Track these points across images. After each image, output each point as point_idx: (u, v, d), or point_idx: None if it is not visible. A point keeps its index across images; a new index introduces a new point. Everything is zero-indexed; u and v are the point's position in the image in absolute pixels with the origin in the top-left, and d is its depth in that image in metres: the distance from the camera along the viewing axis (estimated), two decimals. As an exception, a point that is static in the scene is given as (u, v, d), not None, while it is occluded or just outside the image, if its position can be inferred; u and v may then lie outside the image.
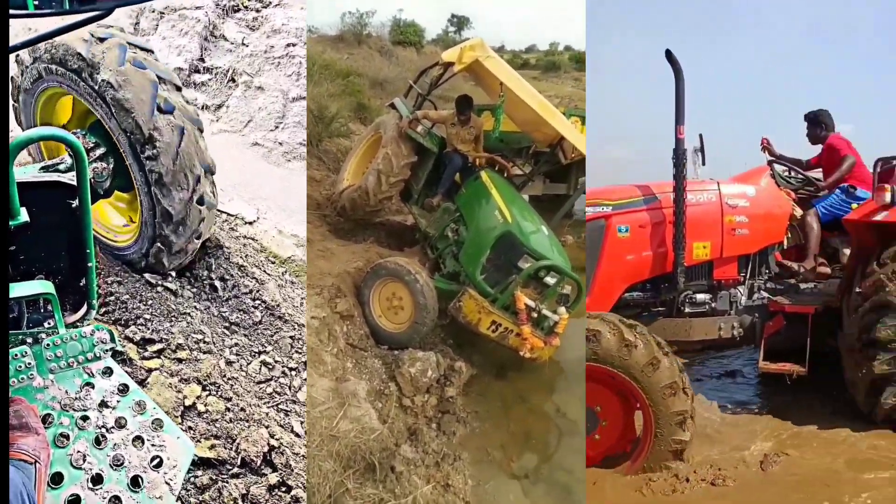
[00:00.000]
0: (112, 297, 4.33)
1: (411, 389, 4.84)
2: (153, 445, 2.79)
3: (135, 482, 2.65)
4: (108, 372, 3.02)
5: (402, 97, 7.47)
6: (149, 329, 4.28)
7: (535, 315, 5.27)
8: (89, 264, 3.18)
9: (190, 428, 3.69)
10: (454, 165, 6.41)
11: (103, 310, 4.31)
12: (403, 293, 5.35)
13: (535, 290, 5.34)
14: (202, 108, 7.42)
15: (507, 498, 4.35)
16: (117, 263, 4.67)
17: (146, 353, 4.09)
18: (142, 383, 3.79)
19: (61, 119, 4.86)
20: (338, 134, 9.71)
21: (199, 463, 3.49)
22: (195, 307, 4.68)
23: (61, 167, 3.96)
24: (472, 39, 6.13)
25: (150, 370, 3.96)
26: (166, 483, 2.69)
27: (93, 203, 4.54)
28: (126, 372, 3.37)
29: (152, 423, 2.86)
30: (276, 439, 3.83)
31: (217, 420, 3.85)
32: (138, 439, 2.78)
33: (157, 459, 2.75)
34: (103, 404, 2.89)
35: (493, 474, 4.48)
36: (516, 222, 5.57)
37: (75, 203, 3.12)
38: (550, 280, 5.32)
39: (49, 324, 3.05)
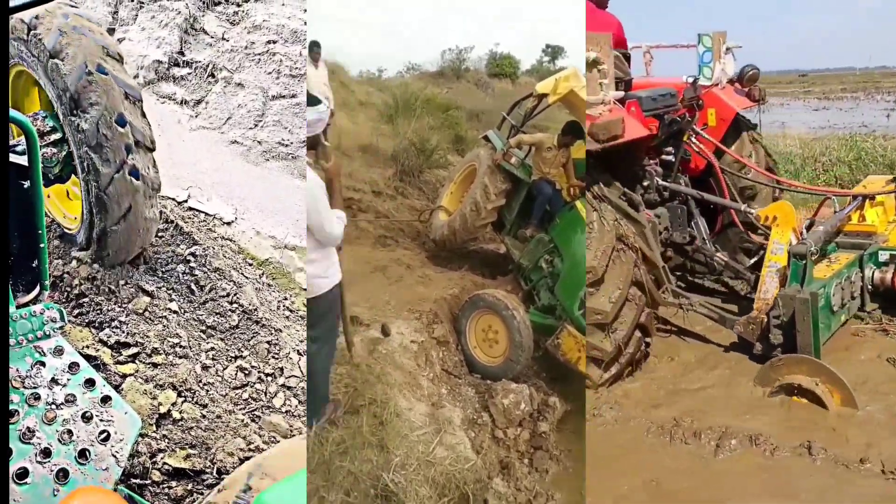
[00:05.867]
0: (86, 299, 4.24)
1: (504, 421, 4.68)
2: (101, 420, 2.92)
3: (82, 455, 2.78)
4: (59, 351, 3.11)
5: (496, 130, 7.36)
6: (123, 332, 4.20)
7: None
8: (41, 245, 3.26)
9: (165, 436, 3.64)
10: (545, 194, 6.17)
11: (76, 311, 4.22)
12: (500, 327, 5.15)
13: None
14: (181, 102, 7.29)
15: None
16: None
17: (120, 358, 4.02)
18: (115, 390, 3.72)
19: (34, 101, 4.77)
20: (437, 165, 9.94)
21: (174, 473, 3.43)
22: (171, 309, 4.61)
23: (18, 149, 3.92)
24: (566, 70, 5.96)
25: (124, 376, 3.89)
26: (113, 456, 2.84)
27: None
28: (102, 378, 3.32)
29: (101, 400, 2.99)
30: (253, 448, 3.78)
31: (192, 428, 3.79)
32: (87, 415, 2.91)
33: (105, 434, 2.88)
34: (54, 382, 2.99)
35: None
36: None
37: (27, 184, 3.15)
38: None
39: None
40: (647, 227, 4.93)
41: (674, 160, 5.55)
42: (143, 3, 8.23)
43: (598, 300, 4.31)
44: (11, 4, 3.11)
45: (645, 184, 5.35)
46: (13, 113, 3.07)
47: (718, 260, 5.28)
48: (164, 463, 3.47)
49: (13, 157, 3.63)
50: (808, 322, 4.21)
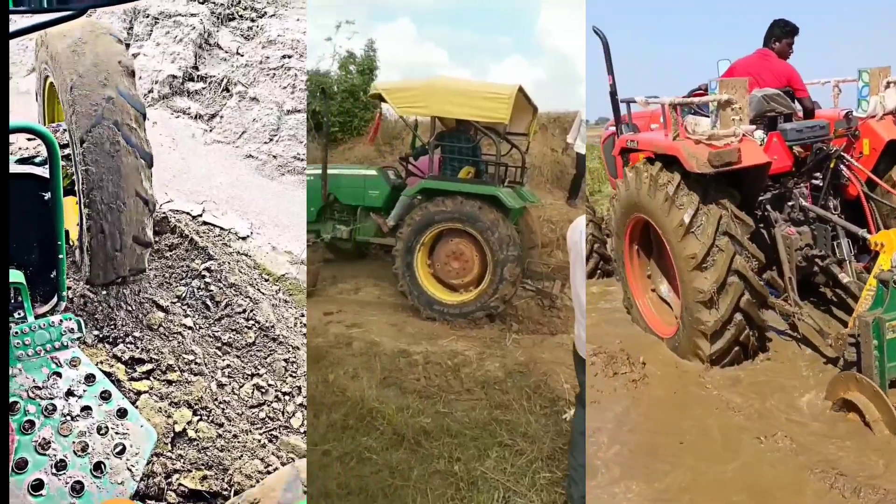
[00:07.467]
0: (101, 315, 4.13)
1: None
2: (117, 433, 2.89)
3: (98, 468, 2.74)
4: (75, 362, 3.09)
5: None
6: (138, 348, 4.09)
7: None
8: (60, 256, 3.26)
9: (180, 456, 3.50)
10: None
11: (90, 325, 4.11)
12: None
13: None
14: (196, 117, 7.23)
15: None
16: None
17: (135, 374, 3.90)
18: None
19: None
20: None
21: (190, 495, 3.30)
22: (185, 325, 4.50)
23: (37, 160, 3.87)
24: None
25: (139, 393, 3.77)
26: (128, 469, 2.80)
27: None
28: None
29: (117, 412, 2.95)
30: (271, 470, 3.64)
31: (208, 448, 3.66)
32: (103, 427, 2.87)
33: (121, 447, 2.83)
34: (70, 393, 2.97)
35: None
36: None
37: (47, 195, 3.16)
38: None
39: (19, 314, 3.14)
40: (782, 240, 5.40)
41: (822, 184, 5.94)
42: (157, 18, 8.22)
43: (700, 282, 4.80)
44: (12, 30, 3.07)
45: (790, 204, 5.74)
46: (32, 124, 3.06)
47: (840, 280, 5.48)
48: (180, 484, 3.33)
49: (34, 169, 3.60)
50: (869, 345, 4.31)
